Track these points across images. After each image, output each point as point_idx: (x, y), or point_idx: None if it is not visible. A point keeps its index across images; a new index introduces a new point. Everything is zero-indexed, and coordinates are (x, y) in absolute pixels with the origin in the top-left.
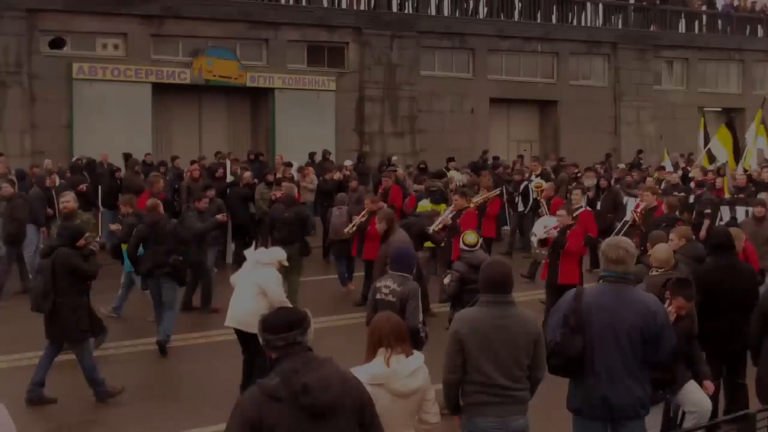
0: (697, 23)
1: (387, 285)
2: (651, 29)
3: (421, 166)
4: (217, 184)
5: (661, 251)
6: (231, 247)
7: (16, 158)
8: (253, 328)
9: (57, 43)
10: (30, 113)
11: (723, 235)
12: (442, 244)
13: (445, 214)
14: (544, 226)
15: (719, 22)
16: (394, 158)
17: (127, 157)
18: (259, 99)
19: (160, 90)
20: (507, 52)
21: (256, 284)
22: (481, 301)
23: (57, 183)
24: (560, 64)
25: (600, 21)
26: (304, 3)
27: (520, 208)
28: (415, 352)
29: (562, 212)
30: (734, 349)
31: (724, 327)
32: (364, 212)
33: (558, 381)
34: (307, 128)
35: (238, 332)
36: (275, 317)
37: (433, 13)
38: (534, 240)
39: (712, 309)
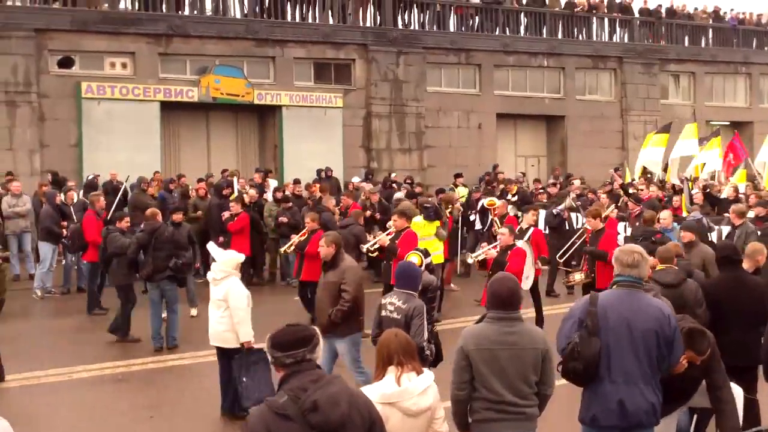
0: (703, 37)
1: (392, 302)
2: (658, 43)
3: (407, 181)
4: (225, 202)
5: None
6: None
7: (26, 177)
8: (224, 342)
9: (65, 63)
10: (39, 132)
11: (729, 248)
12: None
13: (383, 235)
14: (480, 246)
15: (726, 35)
16: (393, 175)
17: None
18: (266, 116)
19: (168, 108)
20: (513, 68)
21: (219, 300)
22: (487, 317)
23: (75, 200)
24: (567, 78)
25: (606, 35)
26: (310, 20)
27: (477, 226)
28: (425, 369)
29: (503, 231)
30: (744, 365)
31: (733, 342)
32: (304, 231)
33: (566, 396)
34: (315, 145)
35: (217, 348)
36: (283, 334)
37: (439, 29)
38: (469, 260)
39: (719, 324)
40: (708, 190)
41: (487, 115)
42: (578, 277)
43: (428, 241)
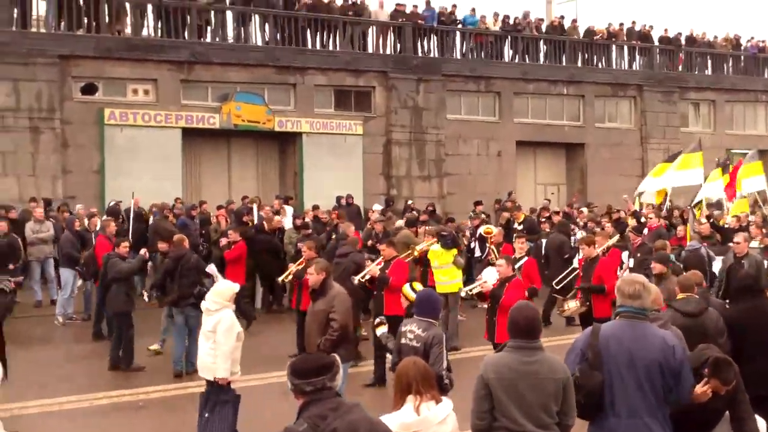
0: (723, 65)
1: (411, 330)
2: (678, 71)
3: (429, 208)
4: (244, 229)
5: (653, 291)
6: (259, 292)
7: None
8: (211, 373)
9: (89, 89)
10: (62, 158)
11: (750, 278)
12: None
13: (373, 265)
14: (477, 278)
15: (746, 63)
16: (410, 202)
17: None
18: (287, 143)
19: (190, 134)
20: (533, 95)
21: (208, 331)
22: (507, 346)
23: (97, 226)
24: (586, 106)
25: (625, 63)
26: (330, 48)
27: (477, 254)
28: (444, 398)
29: (501, 262)
30: (766, 394)
31: (756, 372)
32: (302, 260)
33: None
34: (335, 172)
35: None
36: (303, 362)
37: (459, 56)
38: (462, 293)
39: (742, 354)
40: (712, 220)
41: (506, 143)
42: (572, 305)
43: (446, 269)
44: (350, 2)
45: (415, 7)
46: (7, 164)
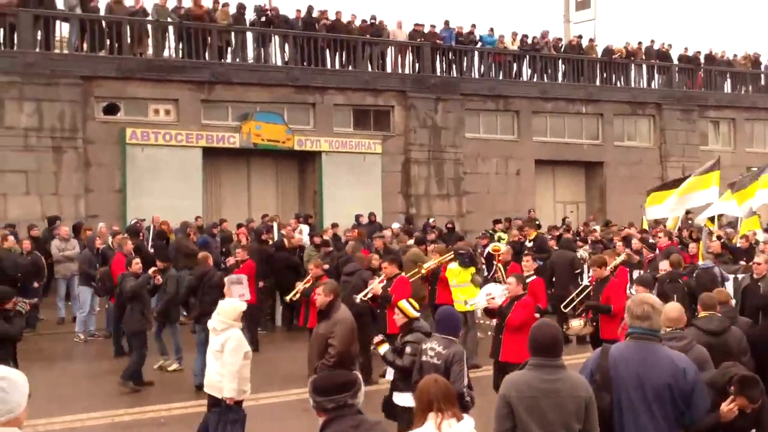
0: (743, 83)
1: (432, 347)
2: (697, 90)
3: (448, 226)
4: (264, 247)
5: (673, 309)
6: (279, 310)
7: (71, 222)
8: (218, 391)
9: (111, 109)
10: (84, 177)
11: None
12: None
13: (375, 283)
14: (486, 294)
15: (766, 81)
16: (431, 220)
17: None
18: (306, 162)
19: (210, 154)
20: (551, 114)
21: (217, 351)
22: (529, 364)
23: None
24: (605, 125)
25: (644, 82)
26: (349, 67)
27: (485, 273)
28: (465, 416)
29: (511, 280)
30: None
31: None
32: (309, 278)
33: None
34: (354, 190)
35: (209, 396)
36: (325, 379)
37: (477, 75)
38: (476, 310)
39: (764, 372)
40: (723, 239)
41: (525, 162)
42: (576, 324)
43: (464, 287)
44: (369, 23)
45: (433, 26)
46: (30, 183)
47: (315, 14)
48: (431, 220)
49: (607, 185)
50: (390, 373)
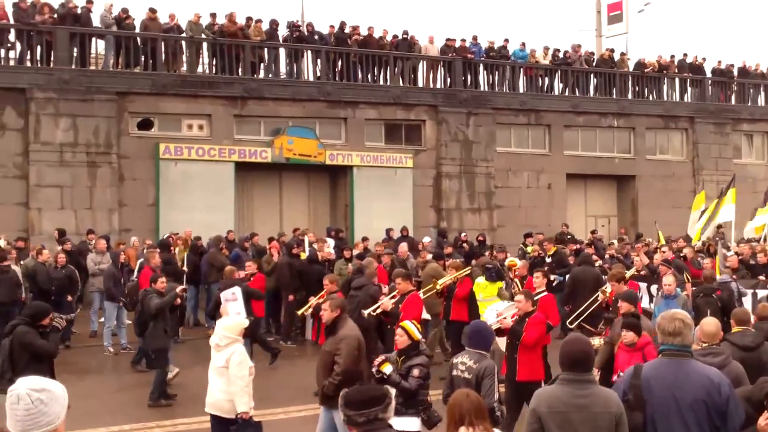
0: None
1: (463, 362)
2: (729, 103)
3: (479, 239)
4: (296, 260)
5: (709, 325)
6: (309, 323)
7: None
8: (220, 410)
9: (145, 125)
10: (118, 192)
11: None
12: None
13: (386, 299)
14: (498, 314)
15: None
16: (462, 234)
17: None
18: (337, 176)
19: (243, 168)
20: (583, 128)
21: (220, 367)
22: (560, 379)
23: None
24: (637, 138)
25: (677, 95)
26: (381, 82)
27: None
28: (496, 430)
29: (520, 297)
30: None
31: None
32: (322, 293)
33: None
34: (385, 204)
35: (212, 416)
36: (356, 393)
37: (508, 90)
38: None
39: None
40: (741, 257)
41: (556, 175)
42: (597, 342)
43: (491, 302)
44: (401, 38)
45: (464, 41)
46: (65, 198)
47: (347, 30)
48: (462, 234)
49: (639, 199)
50: (389, 368)
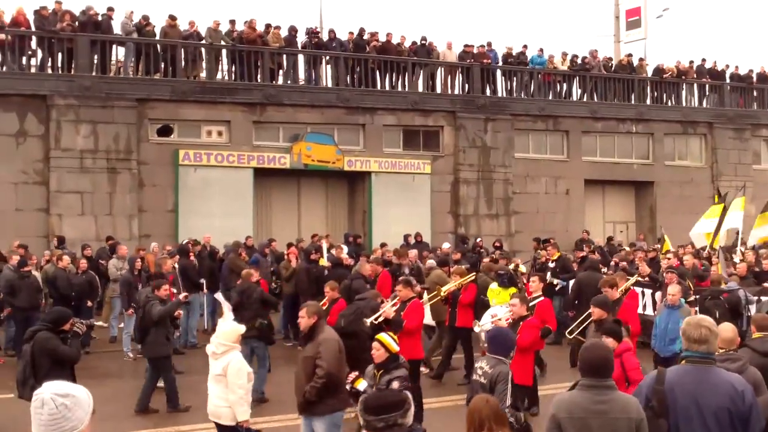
0: None
1: (481, 366)
2: (749, 109)
3: (496, 245)
4: (314, 266)
5: (727, 330)
6: None
7: (124, 242)
8: (219, 417)
9: (164, 131)
10: (138, 198)
11: None
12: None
13: (387, 306)
14: (492, 316)
15: None
16: (478, 239)
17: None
18: (356, 182)
19: (261, 174)
20: (601, 134)
21: (218, 375)
22: (579, 384)
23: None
24: (656, 144)
25: (695, 101)
26: (399, 88)
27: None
28: None
29: (515, 301)
30: None
31: None
32: (324, 300)
33: None
34: (403, 210)
35: (216, 424)
36: (375, 398)
37: (527, 95)
38: (480, 332)
39: None
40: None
41: (574, 181)
42: None
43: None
44: (420, 43)
45: (482, 47)
46: (85, 204)
47: (366, 36)
48: (478, 239)
49: (657, 205)
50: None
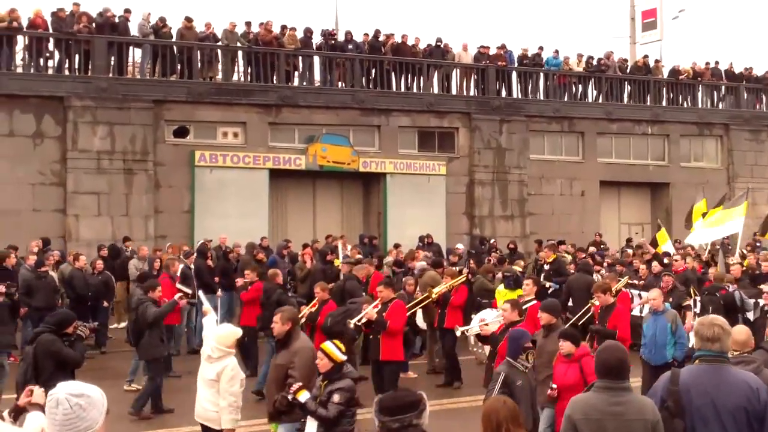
0: None
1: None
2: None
3: (510, 246)
4: (329, 267)
5: (740, 333)
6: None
7: (141, 242)
8: (208, 420)
9: (180, 132)
10: (154, 199)
11: None
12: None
13: (369, 307)
14: (480, 320)
15: None
16: (491, 240)
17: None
18: (371, 183)
19: (277, 175)
20: (616, 135)
21: (211, 380)
22: (595, 386)
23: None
24: (671, 145)
25: (711, 102)
26: (414, 90)
27: None
28: None
29: (506, 306)
30: None
31: None
32: (314, 302)
33: None
34: (418, 212)
35: (202, 426)
36: (391, 399)
37: (542, 97)
38: (469, 337)
39: None
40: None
41: (590, 183)
42: None
43: None
44: (435, 45)
45: (503, 47)
46: (101, 205)
47: (381, 38)
48: (492, 240)
49: (673, 206)
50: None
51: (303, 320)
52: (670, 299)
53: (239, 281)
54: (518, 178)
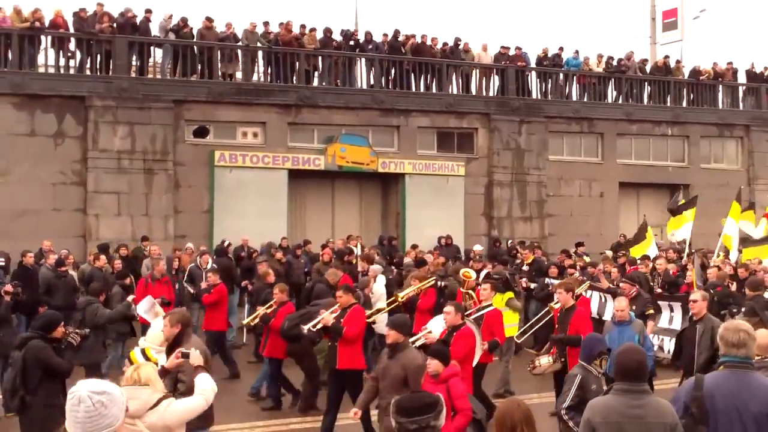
0: None
1: None
2: None
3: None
4: (347, 267)
5: (764, 336)
6: None
7: (160, 242)
8: None
9: (200, 132)
10: (174, 198)
11: None
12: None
13: (326, 313)
14: (423, 328)
15: None
16: (509, 242)
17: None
18: (389, 184)
19: (296, 176)
20: (636, 136)
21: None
22: (614, 389)
23: (208, 264)
24: (691, 147)
25: (732, 103)
26: (434, 90)
27: None
28: None
29: (449, 309)
30: None
31: None
32: (271, 302)
33: None
34: (437, 212)
35: None
36: (409, 400)
37: (562, 97)
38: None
39: None
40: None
41: (609, 184)
42: (544, 361)
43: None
44: (454, 44)
45: (518, 49)
46: (121, 204)
47: (401, 38)
48: (509, 242)
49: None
50: None
51: (256, 321)
52: (633, 307)
53: (203, 284)
54: (537, 179)
